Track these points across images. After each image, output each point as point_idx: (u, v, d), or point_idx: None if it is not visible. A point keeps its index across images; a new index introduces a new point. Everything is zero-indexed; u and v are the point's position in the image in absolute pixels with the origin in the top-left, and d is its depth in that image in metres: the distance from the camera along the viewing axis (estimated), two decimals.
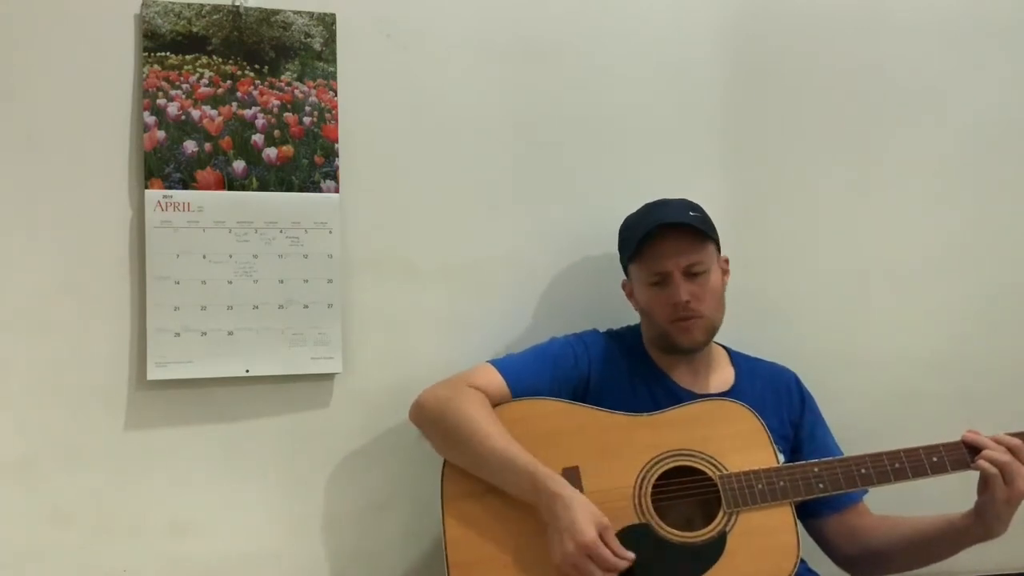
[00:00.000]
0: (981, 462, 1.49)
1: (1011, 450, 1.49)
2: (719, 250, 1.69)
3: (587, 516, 1.42)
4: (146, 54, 1.67)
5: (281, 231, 1.72)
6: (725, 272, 1.70)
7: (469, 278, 1.84)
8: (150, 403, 1.68)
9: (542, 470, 1.47)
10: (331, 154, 1.74)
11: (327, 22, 1.75)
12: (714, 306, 1.65)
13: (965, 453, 1.52)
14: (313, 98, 1.74)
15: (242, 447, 1.72)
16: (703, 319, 1.63)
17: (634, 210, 1.72)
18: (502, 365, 1.64)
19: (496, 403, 1.59)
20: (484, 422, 1.53)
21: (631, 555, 1.42)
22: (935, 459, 1.52)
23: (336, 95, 1.75)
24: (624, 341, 1.73)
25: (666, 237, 1.62)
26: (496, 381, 1.61)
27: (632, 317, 1.77)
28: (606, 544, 1.41)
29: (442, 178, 1.83)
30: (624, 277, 1.75)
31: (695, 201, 1.70)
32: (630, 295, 1.74)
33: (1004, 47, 2.07)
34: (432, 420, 1.60)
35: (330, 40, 1.75)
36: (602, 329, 1.76)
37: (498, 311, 1.85)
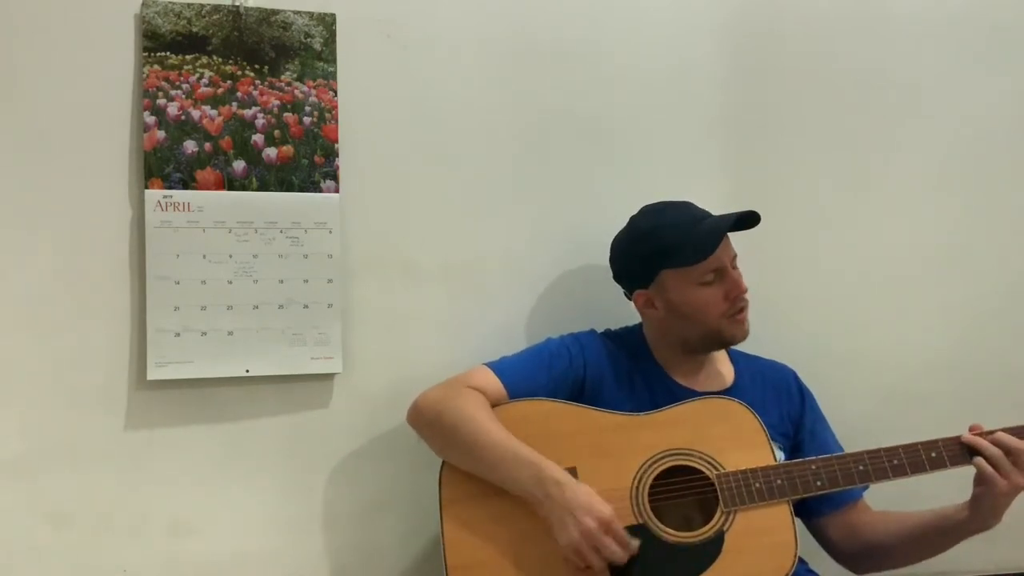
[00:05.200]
0: (978, 459, 1.50)
1: (1009, 450, 1.49)
2: None
3: (594, 499, 1.44)
4: (146, 54, 1.67)
5: (281, 231, 1.73)
6: None
7: (469, 278, 1.84)
8: (150, 403, 1.68)
9: (544, 461, 1.48)
10: (331, 154, 1.75)
11: (327, 22, 1.75)
12: None
13: (964, 448, 1.52)
14: (313, 98, 1.74)
15: (242, 447, 1.73)
16: (747, 308, 1.65)
17: (636, 212, 1.71)
18: (498, 367, 1.64)
19: (493, 404, 1.58)
20: (482, 419, 1.53)
21: (636, 541, 1.44)
22: (933, 455, 1.52)
23: (336, 95, 1.75)
24: (623, 341, 1.73)
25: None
26: (493, 383, 1.61)
27: (631, 318, 1.76)
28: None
29: (442, 178, 1.83)
30: (631, 291, 1.73)
31: (695, 201, 1.70)
32: (647, 305, 1.69)
33: (1005, 47, 2.06)
34: (429, 421, 1.60)
35: (330, 40, 1.75)
36: (600, 329, 1.76)
37: (498, 311, 1.85)
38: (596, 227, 1.77)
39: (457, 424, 1.54)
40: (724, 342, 1.67)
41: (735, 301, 1.63)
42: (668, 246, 1.63)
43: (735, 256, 1.67)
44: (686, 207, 1.68)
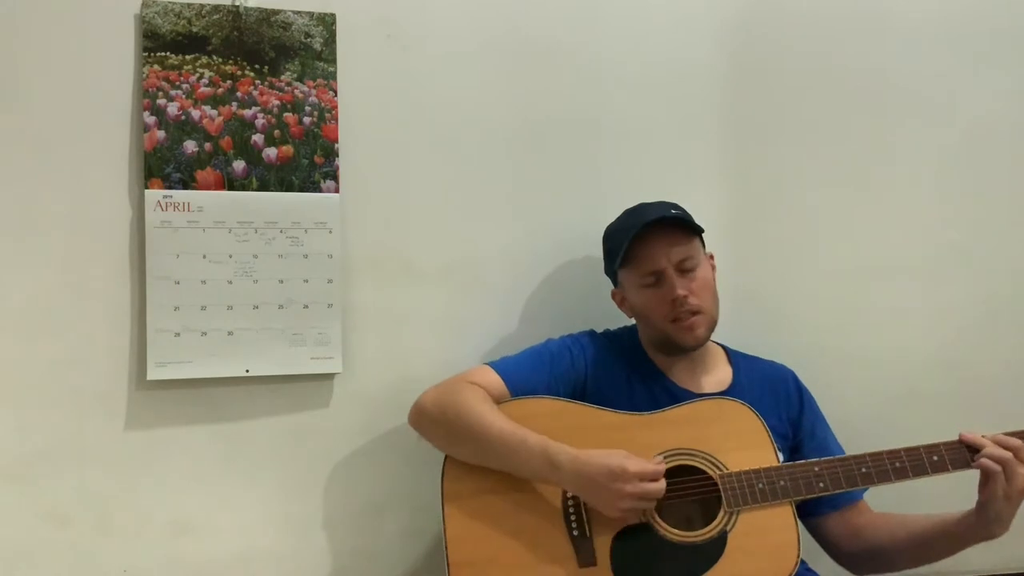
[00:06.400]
0: (983, 460, 1.49)
1: (1010, 449, 1.49)
2: (704, 245, 1.69)
3: (613, 456, 1.46)
4: (146, 54, 1.67)
5: (281, 231, 1.72)
6: (712, 268, 1.70)
7: (469, 278, 1.84)
8: (150, 403, 1.68)
9: (552, 444, 1.49)
10: (331, 154, 1.74)
11: (327, 22, 1.75)
12: (711, 300, 1.65)
13: (966, 452, 1.52)
14: (313, 98, 1.74)
15: (242, 447, 1.73)
16: (703, 315, 1.63)
17: (621, 215, 1.72)
18: (500, 366, 1.64)
19: (495, 402, 1.58)
20: (486, 410, 1.53)
21: (659, 458, 1.50)
22: (935, 458, 1.52)
23: (336, 95, 1.75)
24: (621, 342, 1.73)
25: (655, 236, 1.62)
26: (494, 381, 1.61)
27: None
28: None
29: (442, 178, 1.83)
30: (612, 287, 1.75)
31: (694, 202, 1.70)
32: (621, 303, 1.73)
33: (1005, 48, 2.06)
34: (434, 418, 1.60)
35: (330, 40, 1.75)
36: (600, 330, 1.76)
37: (498, 311, 1.85)
38: (595, 227, 1.77)
39: (461, 417, 1.54)
40: (675, 347, 1.65)
41: (673, 306, 1.61)
42: (610, 249, 1.69)
43: (683, 260, 1.63)
44: (651, 209, 1.67)
